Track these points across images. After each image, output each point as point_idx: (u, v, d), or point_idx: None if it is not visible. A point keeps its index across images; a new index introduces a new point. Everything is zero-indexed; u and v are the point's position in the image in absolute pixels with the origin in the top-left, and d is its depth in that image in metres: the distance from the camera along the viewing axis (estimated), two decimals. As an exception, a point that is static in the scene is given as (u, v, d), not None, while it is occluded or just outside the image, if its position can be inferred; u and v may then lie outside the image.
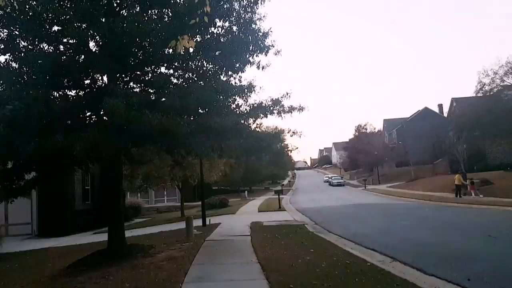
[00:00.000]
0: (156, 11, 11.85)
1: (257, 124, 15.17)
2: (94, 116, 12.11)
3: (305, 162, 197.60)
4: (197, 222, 20.36)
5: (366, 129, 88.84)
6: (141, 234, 20.03)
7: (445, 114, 66.30)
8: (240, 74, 13.07)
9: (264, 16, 12.50)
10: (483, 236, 13.20)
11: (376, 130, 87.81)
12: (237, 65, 12.73)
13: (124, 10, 11.86)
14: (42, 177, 12.58)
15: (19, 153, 9.75)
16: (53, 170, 12.07)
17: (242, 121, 12.91)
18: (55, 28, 11.08)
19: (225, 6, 11.49)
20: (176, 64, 12.70)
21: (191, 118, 11.64)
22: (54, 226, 23.74)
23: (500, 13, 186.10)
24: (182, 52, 4.70)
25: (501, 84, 34.72)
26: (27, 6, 10.17)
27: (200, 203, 25.13)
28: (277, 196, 36.34)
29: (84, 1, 10.77)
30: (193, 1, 9.67)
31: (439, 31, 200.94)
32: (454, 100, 59.36)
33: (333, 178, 77.96)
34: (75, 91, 12.26)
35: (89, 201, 28.36)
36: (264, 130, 33.60)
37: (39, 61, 10.55)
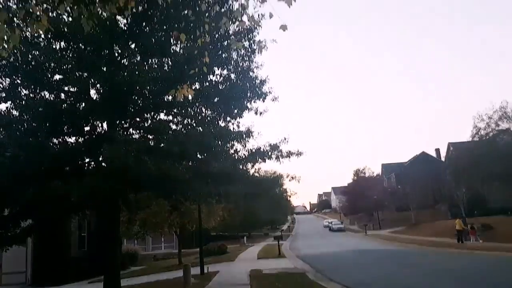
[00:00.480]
0: (156, 60, 12.19)
1: (255, 169, 15.20)
2: (93, 162, 12.15)
3: (304, 206, 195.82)
4: (195, 270, 19.87)
5: (364, 173, 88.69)
6: (137, 283, 19.48)
7: (443, 158, 66.53)
8: (238, 119, 13.29)
9: (261, 65, 12.91)
10: (491, 284, 12.88)
11: (375, 175, 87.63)
12: (236, 111, 12.95)
13: (125, 59, 12.19)
14: (39, 224, 12.43)
15: (17, 200, 9.71)
16: (50, 217, 11.95)
17: (241, 166, 12.96)
18: (57, 76, 11.36)
19: (223, 56, 11.84)
20: (175, 110, 12.90)
21: (190, 164, 11.69)
22: (48, 274, 23.13)
23: (497, 57, 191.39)
24: (181, 100, 4.80)
25: (496, 128, 35.15)
26: (29, 56, 10.47)
27: (198, 249, 24.65)
28: (276, 242, 35.68)
29: (87, 52, 11.09)
30: (193, 52, 9.98)
31: (433, 76, 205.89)
32: (451, 144, 59.81)
33: (333, 223, 76.84)
34: (74, 137, 12.38)
35: (85, 248, 27.80)
36: (262, 174, 33.49)
37: (40, 109, 10.72)
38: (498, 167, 33.40)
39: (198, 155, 11.99)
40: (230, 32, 11.00)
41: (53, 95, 11.75)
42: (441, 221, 46.93)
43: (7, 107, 11.02)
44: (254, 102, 12.84)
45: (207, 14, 5.26)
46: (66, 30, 10.65)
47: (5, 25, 4.11)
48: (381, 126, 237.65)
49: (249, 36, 11.52)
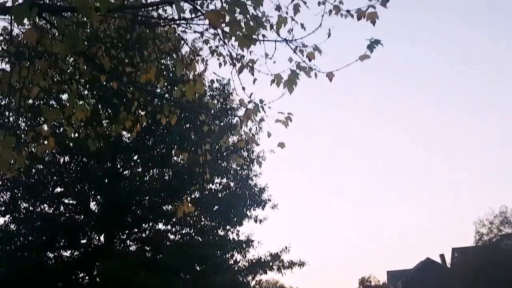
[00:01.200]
0: (157, 171, 12.39)
1: (256, 281, 14.55)
2: (87, 277, 11.68)
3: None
4: None
5: (370, 281, 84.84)
6: None
7: (448, 264, 64.42)
8: (237, 228, 13.07)
9: (260, 173, 13.11)
10: None
11: (381, 283, 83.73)
12: (235, 219, 12.79)
13: (127, 171, 12.39)
14: None
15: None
16: None
17: (241, 279, 12.48)
18: (58, 189, 11.42)
19: (223, 165, 12.08)
20: (174, 219, 12.75)
21: (188, 277, 11.26)
22: None
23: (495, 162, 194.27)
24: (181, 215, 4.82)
25: (499, 234, 34.85)
26: (33, 171, 10.62)
27: None
28: None
29: (90, 165, 11.32)
30: (194, 168, 10.18)
31: (429, 181, 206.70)
32: (455, 250, 58.33)
33: None
34: (70, 251, 12.06)
35: None
36: (264, 286, 31.88)
37: (38, 223, 10.61)
38: (505, 274, 32.38)
39: (197, 267, 11.60)
40: (230, 143, 11.34)
41: (52, 208, 11.71)
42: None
43: (5, 221, 10.93)
44: (253, 210, 12.81)
45: (207, 130, 5.47)
46: (71, 145, 10.96)
47: (13, 148, 4.16)
48: (383, 232, 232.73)
49: (247, 147, 11.88)
